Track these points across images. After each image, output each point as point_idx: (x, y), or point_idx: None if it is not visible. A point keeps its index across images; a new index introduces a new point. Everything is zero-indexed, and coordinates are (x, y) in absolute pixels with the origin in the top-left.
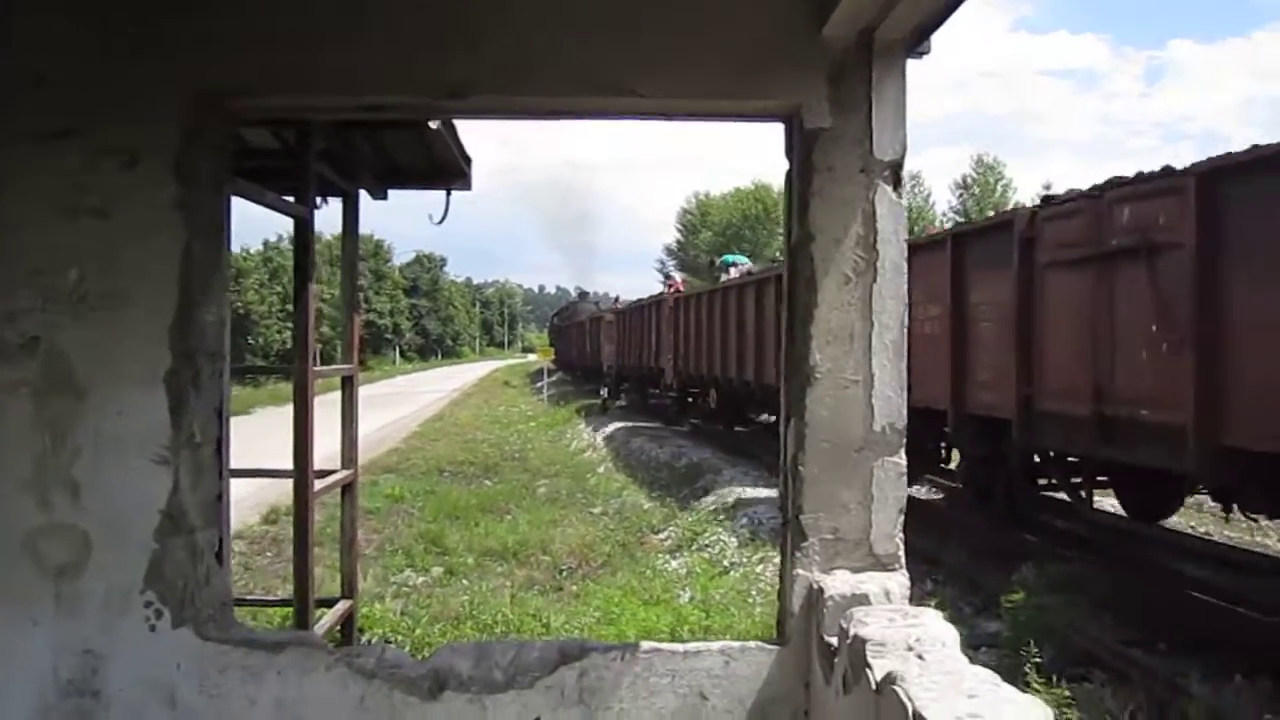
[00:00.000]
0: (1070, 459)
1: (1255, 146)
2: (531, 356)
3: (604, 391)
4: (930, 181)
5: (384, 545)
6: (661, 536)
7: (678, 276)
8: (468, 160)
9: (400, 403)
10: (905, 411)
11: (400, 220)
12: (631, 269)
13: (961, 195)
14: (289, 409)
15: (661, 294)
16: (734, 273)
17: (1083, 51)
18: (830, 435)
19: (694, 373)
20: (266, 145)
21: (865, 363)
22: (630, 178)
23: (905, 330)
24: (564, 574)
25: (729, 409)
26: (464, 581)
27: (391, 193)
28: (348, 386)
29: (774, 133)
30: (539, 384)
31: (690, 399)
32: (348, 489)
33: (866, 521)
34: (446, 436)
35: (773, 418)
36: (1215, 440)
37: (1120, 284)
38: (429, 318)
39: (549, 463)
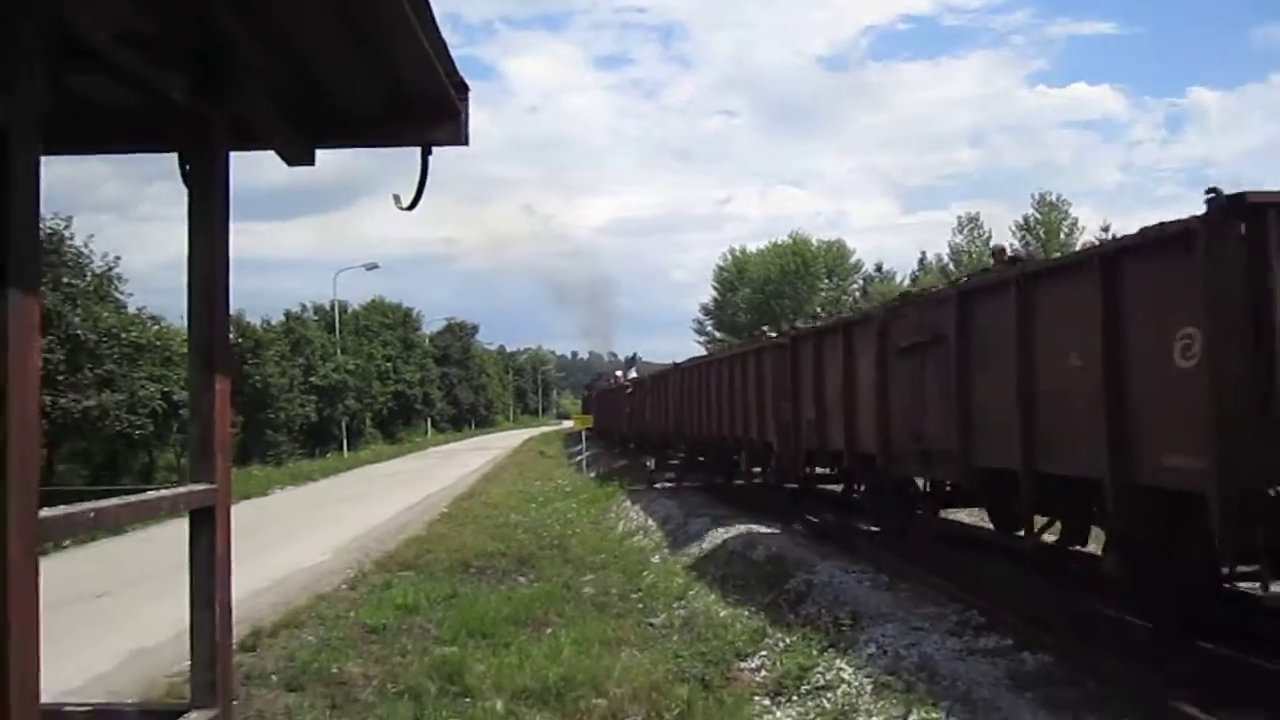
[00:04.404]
0: None
1: None
2: (567, 424)
3: (650, 464)
4: (988, 225)
5: (385, 684)
6: (753, 666)
7: (717, 335)
8: (460, 87)
9: (428, 479)
10: None
11: (431, 289)
12: (665, 332)
13: (1024, 237)
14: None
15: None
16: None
17: (1101, 102)
18: None
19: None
20: None
21: None
22: (655, 241)
23: None
24: None
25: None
26: None
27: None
28: (203, 531)
29: None
30: (575, 452)
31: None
32: None
33: None
34: (476, 520)
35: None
36: None
37: None
38: (461, 386)
39: (594, 551)
